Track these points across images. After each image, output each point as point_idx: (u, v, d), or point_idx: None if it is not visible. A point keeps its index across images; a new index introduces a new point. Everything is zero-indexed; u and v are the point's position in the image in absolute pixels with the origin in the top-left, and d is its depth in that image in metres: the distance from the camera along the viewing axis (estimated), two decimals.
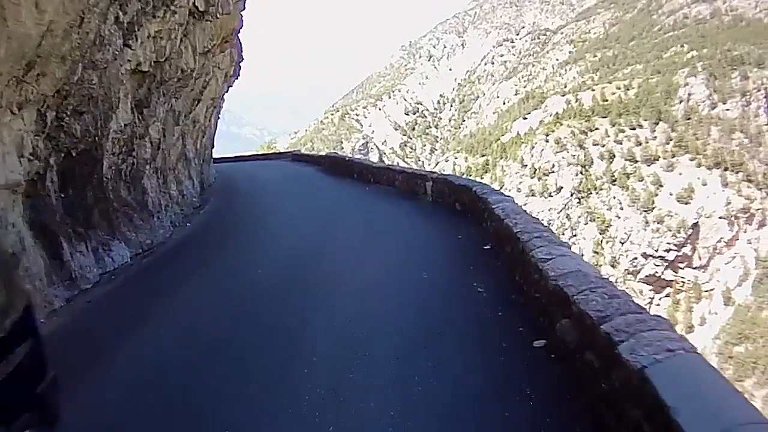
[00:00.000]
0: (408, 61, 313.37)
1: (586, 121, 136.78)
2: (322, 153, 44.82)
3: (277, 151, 64.09)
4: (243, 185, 30.45)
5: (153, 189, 15.88)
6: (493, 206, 12.75)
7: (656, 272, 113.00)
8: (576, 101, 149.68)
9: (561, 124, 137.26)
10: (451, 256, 12.44)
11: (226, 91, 30.74)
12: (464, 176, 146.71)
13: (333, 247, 14.15)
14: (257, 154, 63.03)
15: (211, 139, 31.58)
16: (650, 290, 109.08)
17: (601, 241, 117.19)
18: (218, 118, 34.42)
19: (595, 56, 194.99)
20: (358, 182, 27.56)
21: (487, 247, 12.36)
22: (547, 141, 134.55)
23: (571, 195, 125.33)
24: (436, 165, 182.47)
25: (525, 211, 12.38)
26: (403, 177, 23.34)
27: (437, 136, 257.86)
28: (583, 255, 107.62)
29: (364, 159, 36.54)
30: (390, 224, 17.31)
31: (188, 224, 18.22)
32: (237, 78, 31.72)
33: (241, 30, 25.22)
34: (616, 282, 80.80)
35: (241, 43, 28.70)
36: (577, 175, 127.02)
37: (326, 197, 24.21)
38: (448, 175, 22.79)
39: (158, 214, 15.73)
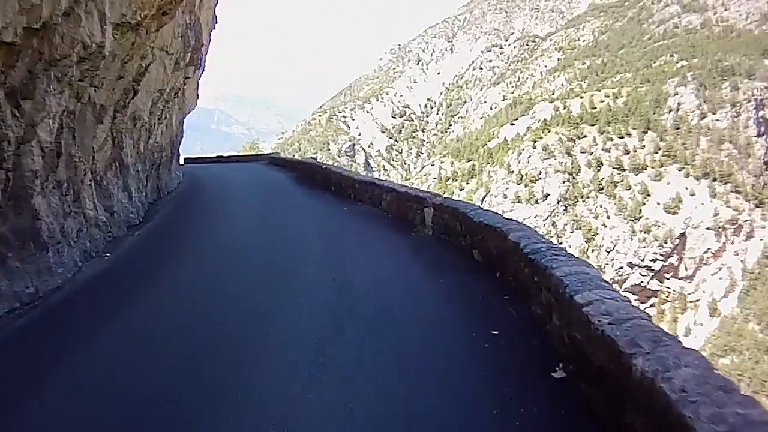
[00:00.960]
0: (396, 64, 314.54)
1: (574, 128, 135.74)
2: (304, 157, 41.19)
3: (257, 153, 62.51)
4: (206, 193, 27.20)
5: (51, 212, 11.30)
6: (573, 294, 6.32)
7: (642, 282, 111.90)
8: (564, 108, 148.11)
9: (549, 131, 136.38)
10: (490, 390, 6.37)
11: (184, 83, 25.05)
12: (449, 183, 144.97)
13: (278, 330, 8.66)
14: (238, 155, 61.60)
15: (172, 139, 27.13)
16: (635, 300, 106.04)
17: (587, 250, 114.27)
18: (183, 115, 30.11)
19: (584, 64, 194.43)
20: (335, 198, 22.53)
21: (559, 375, 6.33)
22: (534, 147, 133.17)
23: (558, 202, 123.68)
24: (422, 169, 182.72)
25: (651, 321, 5.62)
26: (393, 198, 17.78)
27: (424, 140, 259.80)
28: None
29: (344, 169, 28.89)
30: (375, 283, 10.80)
31: (108, 254, 13.24)
32: (198, 68, 26.84)
33: (191, 6, 21.37)
34: None
35: (200, 24, 24.59)
36: (564, 182, 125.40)
37: (293, 219, 19.10)
38: (458, 201, 14.59)
39: (57, 246, 11.19)
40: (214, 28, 33.87)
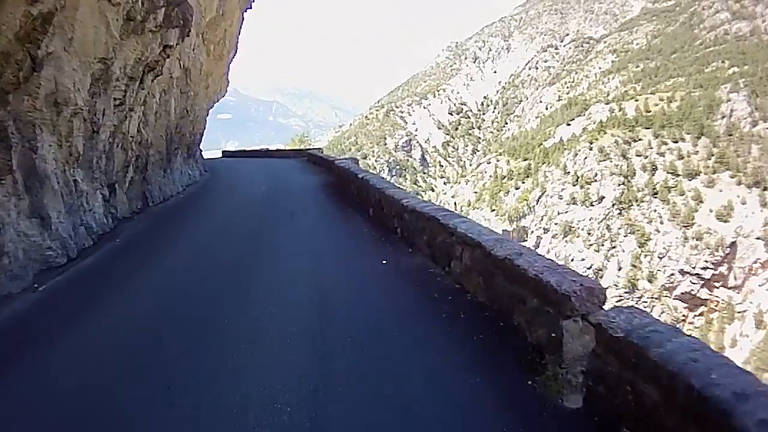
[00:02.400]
0: (454, 61, 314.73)
1: (629, 131, 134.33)
2: (343, 157, 35.50)
3: (301, 148, 56.77)
4: (205, 204, 20.99)
5: None
6: None
7: (692, 290, 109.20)
8: (620, 110, 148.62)
9: (604, 133, 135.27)
10: None
11: (164, 54, 16.52)
12: (505, 182, 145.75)
13: None
14: (279, 149, 58.99)
15: (170, 132, 21.30)
16: (685, 308, 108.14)
17: (640, 255, 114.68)
18: (194, 101, 25.04)
19: (637, 66, 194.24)
20: (371, 231, 14.08)
21: None
22: (590, 149, 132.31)
23: (613, 205, 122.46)
24: (478, 166, 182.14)
25: None
26: (479, 261, 8.33)
27: (480, 137, 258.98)
28: (621, 268, 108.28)
29: (389, 184, 17.04)
30: None
31: None
32: (185, 33, 17.50)
33: None
34: (651, 299, 77.57)
35: None
36: (619, 185, 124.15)
37: (283, 284, 10.18)
38: (686, 341, 4.37)
39: None
40: (250, 7, 32.72)
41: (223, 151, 56.13)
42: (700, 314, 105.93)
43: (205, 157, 38.49)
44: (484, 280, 8.08)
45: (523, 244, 6.90)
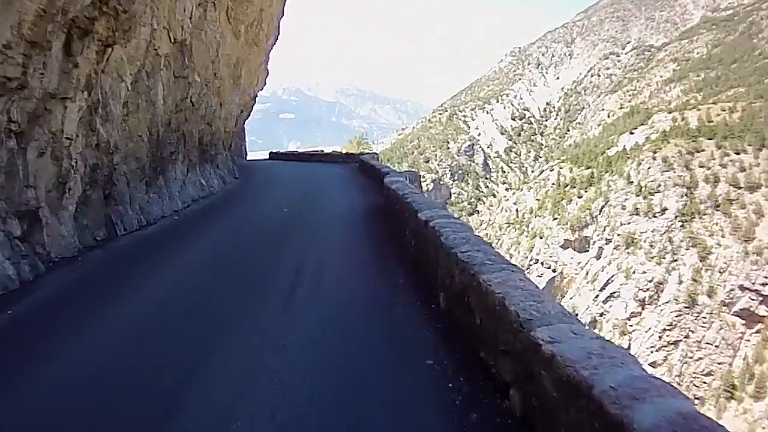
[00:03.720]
0: (516, 66, 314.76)
1: (692, 141, 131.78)
2: (397, 170, 28.44)
3: (353, 152, 51.75)
4: (184, 247, 12.82)
5: None
6: None
7: (750, 306, 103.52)
8: (682, 120, 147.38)
9: (668, 142, 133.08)
10: None
11: (104, 5, 10.25)
12: (567, 190, 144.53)
13: None
14: (334, 152, 54.68)
15: (159, 134, 16.15)
16: (743, 324, 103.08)
17: (701, 269, 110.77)
18: (211, 93, 20.81)
19: (698, 76, 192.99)
20: (449, 365, 6.04)
21: None
22: (654, 159, 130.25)
23: (675, 217, 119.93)
24: (540, 173, 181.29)
25: None
26: None
27: (542, 144, 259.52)
28: (681, 282, 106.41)
29: (479, 243, 7.49)
30: None
31: None
32: None
33: None
34: (710, 314, 75.53)
35: None
36: (682, 197, 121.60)
37: None
38: None
39: None
40: None
41: (270, 153, 52.20)
42: (757, 331, 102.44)
43: (250, 158, 38.81)
44: None
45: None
